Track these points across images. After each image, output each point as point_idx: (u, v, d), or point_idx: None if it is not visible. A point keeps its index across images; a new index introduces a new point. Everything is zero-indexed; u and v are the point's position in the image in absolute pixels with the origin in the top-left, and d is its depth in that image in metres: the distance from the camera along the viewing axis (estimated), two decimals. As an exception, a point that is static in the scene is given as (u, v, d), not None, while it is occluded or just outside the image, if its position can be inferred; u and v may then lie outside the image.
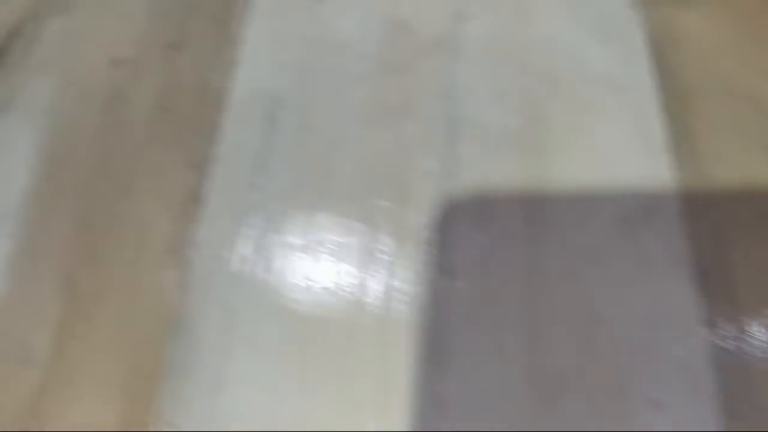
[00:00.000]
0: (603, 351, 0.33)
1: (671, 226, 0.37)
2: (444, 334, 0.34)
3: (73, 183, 0.41)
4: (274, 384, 0.34)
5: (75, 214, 0.40)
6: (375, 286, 0.36)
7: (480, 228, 0.38)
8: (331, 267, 0.37)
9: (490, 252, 0.37)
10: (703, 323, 0.34)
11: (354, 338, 0.35)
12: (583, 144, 0.40)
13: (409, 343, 0.34)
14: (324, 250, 0.37)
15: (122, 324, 0.36)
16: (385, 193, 0.39)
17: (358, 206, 0.39)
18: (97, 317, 0.37)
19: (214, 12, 0.47)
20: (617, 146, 0.40)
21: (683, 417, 0.31)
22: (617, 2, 0.45)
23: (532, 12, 0.45)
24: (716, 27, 0.43)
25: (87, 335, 0.36)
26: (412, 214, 0.39)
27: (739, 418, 0.31)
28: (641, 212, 0.37)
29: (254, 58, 0.45)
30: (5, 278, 0.38)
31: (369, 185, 0.39)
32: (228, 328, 0.36)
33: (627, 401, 0.32)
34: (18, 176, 0.42)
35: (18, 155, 0.43)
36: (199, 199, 0.40)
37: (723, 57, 0.42)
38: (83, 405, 0.34)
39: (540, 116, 0.41)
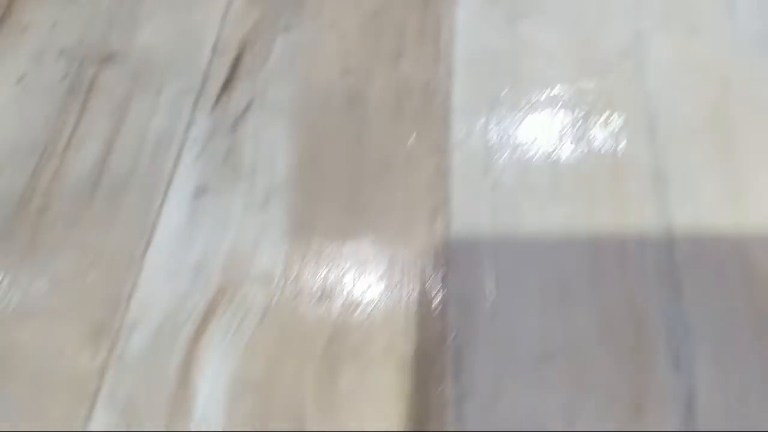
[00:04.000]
0: None
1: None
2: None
3: (330, 167, 0.50)
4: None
5: (337, 192, 0.48)
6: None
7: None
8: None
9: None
10: None
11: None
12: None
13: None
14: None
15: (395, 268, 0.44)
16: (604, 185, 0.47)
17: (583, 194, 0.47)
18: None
19: (422, 30, 0.57)
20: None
21: None
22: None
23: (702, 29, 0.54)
24: None
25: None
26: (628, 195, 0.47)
27: None
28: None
29: (468, 66, 0.54)
30: (285, 240, 0.46)
31: (589, 178, 0.47)
32: (490, 274, 0.43)
33: None
34: (279, 161, 0.50)
35: (275, 144, 0.51)
36: (447, 175, 0.48)
37: None
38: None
39: (724, 115, 0.49)
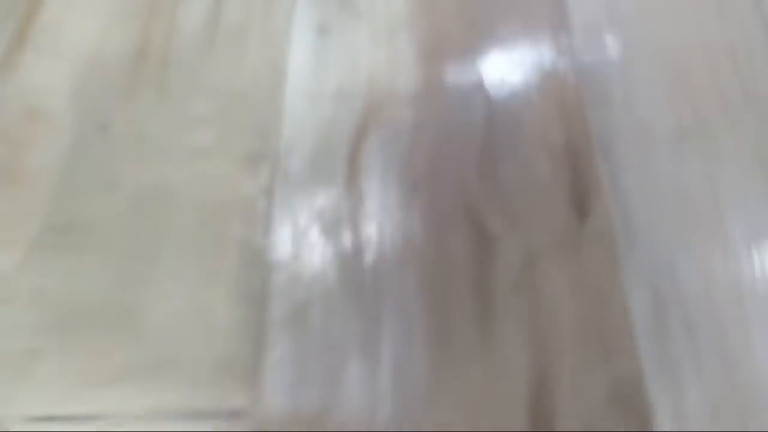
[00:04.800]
0: None
1: None
2: None
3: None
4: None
5: (460, 17, 0.50)
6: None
7: None
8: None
9: None
10: None
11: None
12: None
13: None
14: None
15: (529, 75, 0.47)
16: None
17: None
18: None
19: None
20: None
21: None
22: None
23: None
24: None
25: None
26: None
27: None
28: None
29: None
30: (419, 63, 0.48)
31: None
32: (617, 73, 0.47)
33: None
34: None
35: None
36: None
37: None
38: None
39: None
